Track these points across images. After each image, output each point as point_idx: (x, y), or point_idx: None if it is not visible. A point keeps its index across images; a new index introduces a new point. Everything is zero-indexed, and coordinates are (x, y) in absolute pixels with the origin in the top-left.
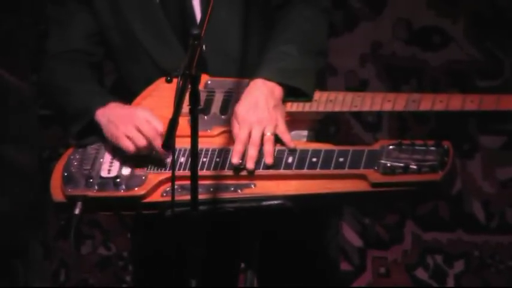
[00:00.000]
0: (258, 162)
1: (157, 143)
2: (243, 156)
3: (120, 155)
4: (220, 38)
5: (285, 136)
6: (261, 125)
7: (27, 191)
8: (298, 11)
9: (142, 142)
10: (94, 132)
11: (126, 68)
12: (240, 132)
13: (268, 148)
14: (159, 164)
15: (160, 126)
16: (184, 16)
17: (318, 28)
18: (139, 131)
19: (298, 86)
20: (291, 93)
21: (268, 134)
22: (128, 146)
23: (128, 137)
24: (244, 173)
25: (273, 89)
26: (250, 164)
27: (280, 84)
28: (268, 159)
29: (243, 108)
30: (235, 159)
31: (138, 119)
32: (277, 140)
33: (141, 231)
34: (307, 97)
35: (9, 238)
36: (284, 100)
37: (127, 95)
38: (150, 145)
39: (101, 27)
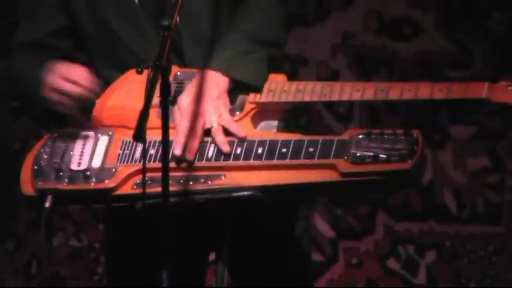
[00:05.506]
0: (228, 154)
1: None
2: (185, 147)
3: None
4: (192, 23)
5: (232, 126)
6: (202, 116)
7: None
8: (256, 0)
9: (69, 87)
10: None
11: (101, 58)
12: (181, 123)
13: (220, 138)
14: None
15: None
16: (162, 6)
17: (272, 18)
18: (62, 78)
19: (242, 80)
20: (239, 84)
21: (215, 125)
22: (56, 98)
23: (54, 90)
24: (216, 164)
25: (219, 80)
26: (190, 155)
27: (226, 75)
28: (225, 148)
29: (185, 99)
30: (177, 151)
31: (59, 73)
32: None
33: (114, 224)
34: (255, 89)
35: None
36: (232, 91)
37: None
38: (76, 86)
39: (75, 18)
